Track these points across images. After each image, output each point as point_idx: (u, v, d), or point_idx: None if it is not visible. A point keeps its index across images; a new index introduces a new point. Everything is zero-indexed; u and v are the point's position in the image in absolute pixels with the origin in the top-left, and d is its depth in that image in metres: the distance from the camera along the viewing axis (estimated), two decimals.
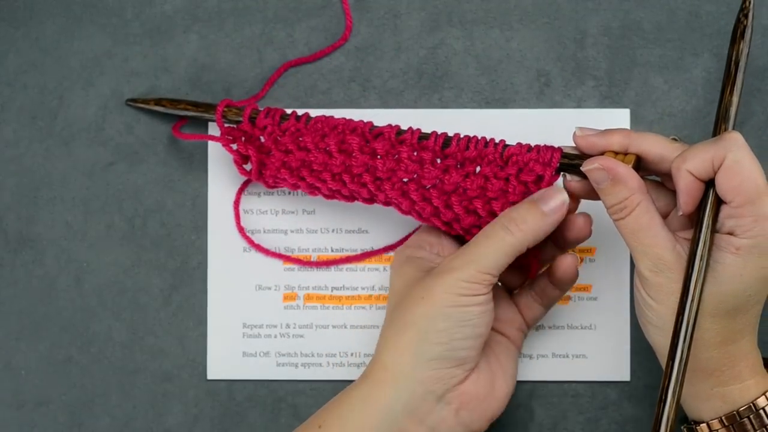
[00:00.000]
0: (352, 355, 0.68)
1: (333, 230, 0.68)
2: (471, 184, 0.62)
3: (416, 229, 0.66)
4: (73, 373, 0.68)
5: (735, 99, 0.60)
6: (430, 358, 0.58)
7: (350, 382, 0.68)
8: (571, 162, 0.61)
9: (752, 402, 0.57)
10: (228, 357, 0.68)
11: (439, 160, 0.62)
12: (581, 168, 0.59)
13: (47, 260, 0.68)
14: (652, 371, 0.68)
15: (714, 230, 0.57)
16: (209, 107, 0.66)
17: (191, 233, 0.68)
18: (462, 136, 0.62)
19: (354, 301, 0.68)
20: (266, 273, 0.68)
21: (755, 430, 0.57)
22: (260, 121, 0.64)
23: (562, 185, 0.60)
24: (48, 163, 0.69)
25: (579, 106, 0.68)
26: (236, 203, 0.68)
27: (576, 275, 0.62)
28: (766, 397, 0.57)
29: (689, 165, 0.57)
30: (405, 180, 0.62)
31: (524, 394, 0.68)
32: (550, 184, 0.61)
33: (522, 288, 0.65)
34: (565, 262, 0.62)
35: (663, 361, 0.58)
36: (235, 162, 0.65)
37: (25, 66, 0.69)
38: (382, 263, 0.68)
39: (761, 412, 0.57)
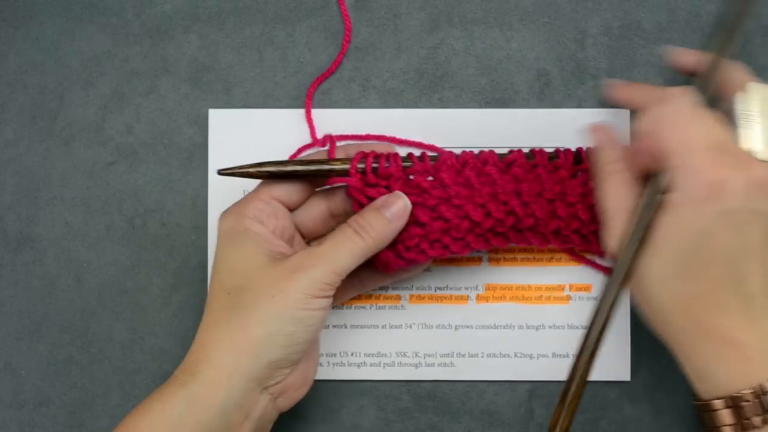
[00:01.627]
0: (352, 354, 0.68)
1: None
2: None
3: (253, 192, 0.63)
4: (73, 373, 0.68)
5: (718, 58, 0.60)
6: (271, 360, 0.58)
7: (350, 382, 0.68)
8: None
9: (739, 393, 0.54)
10: None
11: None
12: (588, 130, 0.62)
13: (47, 260, 0.68)
14: (653, 371, 0.68)
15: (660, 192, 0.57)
16: (319, 162, 0.62)
17: (191, 233, 0.68)
18: (585, 148, 0.63)
19: (354, 301, 0.68)
20: None
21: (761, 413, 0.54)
22: (383, 169, 0.62)
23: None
24: (48, 163, 0.69)
25: (579, 106, 0.68)
26: None
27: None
28: (757, 389, 0.54)
29: (638, 124, 0.58)
30: (549, 200, 0.62)
31: (524, 394, 0.68)
32: None
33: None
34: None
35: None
36: (357, 211, 0.62)
37: (25, 66, 0.69)
38: None
39: (754, 402, 0.54)
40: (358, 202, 0.62)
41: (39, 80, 0.69)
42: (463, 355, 0.68)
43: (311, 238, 0.65)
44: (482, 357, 0.68)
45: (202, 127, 0.69)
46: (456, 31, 0.69)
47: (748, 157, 0.56)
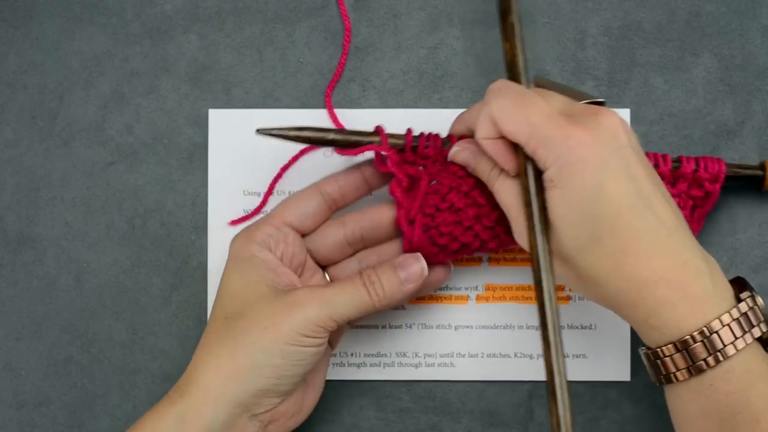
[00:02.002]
0: (352, 355, 0.68)
1: None
2: None
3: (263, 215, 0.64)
4: (73, 373, 0.68)
5: (513, 44, 0.60)
6: (258, 389, 0.58)
7: (350, 381, 0.68)
8: (735, 173, 0.64)
9: (692, 333, 0.54)
10: None
11: None
12: (448, 159, 0.61)
13: (47, 260, 0.68)
14: None
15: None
16: (361, 134, 0.62)
17: (191, 233, 0.68)
18: None
19: None
20: None
21: (708, 354, 0.54)
22: (422, 149, 0.61)
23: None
24: (48, 163, 0.69)
25: None
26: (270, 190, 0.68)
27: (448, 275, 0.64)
28: (707, 328, 0.54)
29: (479, 134, 0.58)
30: None
31: (524, 394, 0.68)
32: (715, 199, 0.64)
33: None
34: (438, 273, 0.63)
35: None
36: (395, 189, 0.62)
37: (25, 66, 0.69)
38: None
39: (706, 341, 0.54)
40: (398, 179, 0.61)
41: (39, 80, 0.69)
42: (463, 355, 0.68)
43: (326, 264, 0.64)
44: (482, 357, 0.68)
45: (202, 127, 0.69)
46: (456, 31, 0.69)
47: (589, 106, 0.56)
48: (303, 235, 0.63)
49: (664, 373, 0.56)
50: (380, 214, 0.63)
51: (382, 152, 0.61)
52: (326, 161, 0.67)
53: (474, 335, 0.68)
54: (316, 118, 0.68)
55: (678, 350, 0.54)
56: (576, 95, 0.59)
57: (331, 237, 0.63)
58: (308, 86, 0.68)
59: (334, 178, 0.63)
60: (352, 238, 0.63)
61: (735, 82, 0.68)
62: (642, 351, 0.58)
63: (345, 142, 0.61)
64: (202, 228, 0.68)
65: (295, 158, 0.67)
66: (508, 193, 0.58)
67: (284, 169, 0.68)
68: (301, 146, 0.67)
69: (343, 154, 0.62)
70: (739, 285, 0.57)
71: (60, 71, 0.69)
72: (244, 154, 0.68)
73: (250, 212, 0.68)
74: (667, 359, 0.55)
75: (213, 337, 0.59)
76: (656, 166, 0.62)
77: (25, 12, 0.69)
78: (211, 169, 0.68)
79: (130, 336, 0.68)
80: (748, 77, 0.68)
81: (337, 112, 0.68)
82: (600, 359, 0.68)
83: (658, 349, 0.55)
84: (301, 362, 0.58)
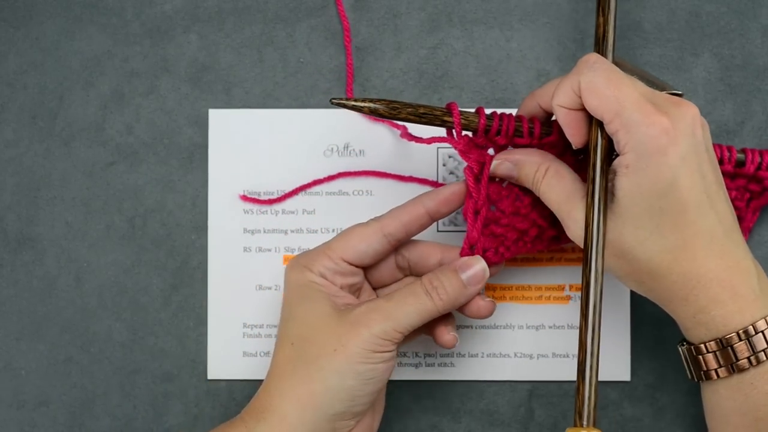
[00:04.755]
0: None
1: (333, 230, 0.68)
2: None
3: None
4: (73, 373, 0.68)
5: (606, 19, 0.60)
6: (333, 414, 0.58)
7: None
8: None
9: (737, 331, 0.55)
10: (228, 357, 0.68)
11: None
12: (490, 173, 0.61)
13: (47, 260, 0.68)
14: (652, 371, 0.68)
15: (610, 160, 0.57)
16: (434, 114, 0.60)
17: (191, 233, 0.68)
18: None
19: None
20: (266, 273, 0.68)
21: (751, 353, 0.55)
22: (493, 135, 0.60)
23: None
24: (48, 163, 0.69)
25: None
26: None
27: (453, 346, 0.63)
28: (753, 327, 0.55)
29: (557, 100, 0.57)
30: None
31: (524, 394, 0.68)
32: None
33: None
34: (444, 339, 0.62)
35: None
36: (467, 176, 0.61)
37: (25, 66, 0.69)
38: None
39: (751, 340, 0.55)
40: (469, 167, 0.60)
41: (39, 80, 0.69)
42: (463, 355, 0.68)
43: (379, 286, 0.64)
44: (482, 357, 0.68)
45: (202, 127, 0.69)
46: (456, 31, 0.69)
47: (671, 96, 0.56)
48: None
49: (705, 369, 0.57)
50: (429, 252, 0.63)
51: (454, 141, 0.60)
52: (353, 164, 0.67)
53: (474, 335, 0.68)
54: (316, 118, 0.68)
55: (722, 347, 0.55)
56: (653, 81, 0.59)
57: (385, 266, 0.63)
58: (308, 86, 0.68)
59: (397, 216, 0.62)
60: (402, 265, 0.64)
61: (735, 82, 0.68)
62: (683, 347, 0.58)
63: (418, 120, 0.60)
64: (202, 228, 0.68)
65: (331, 178, 0.68)
66: (555, 190, 0.58)
67: (317, 182, 0.68)
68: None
69: (411, 140, 0.62)
70: None
71: (60, 71, 0.69)
72: (244, 154, 0.68)
73: (265, 199, 0.68)
74: (709, 355, 0.56)
75: (284, 364, 0.59)
76: (721, 160, 0.62)
77: (25, 12, 0.69)
78: (211, 169, 0.68)
79: (130, 336, 0.68)
80: (748, 77, 0.68)
81: (338, 111, 0.68)
82: (600, 359, 0.68)
83: (701, 345, 0.56)
84: (373, 380, 0.58)
